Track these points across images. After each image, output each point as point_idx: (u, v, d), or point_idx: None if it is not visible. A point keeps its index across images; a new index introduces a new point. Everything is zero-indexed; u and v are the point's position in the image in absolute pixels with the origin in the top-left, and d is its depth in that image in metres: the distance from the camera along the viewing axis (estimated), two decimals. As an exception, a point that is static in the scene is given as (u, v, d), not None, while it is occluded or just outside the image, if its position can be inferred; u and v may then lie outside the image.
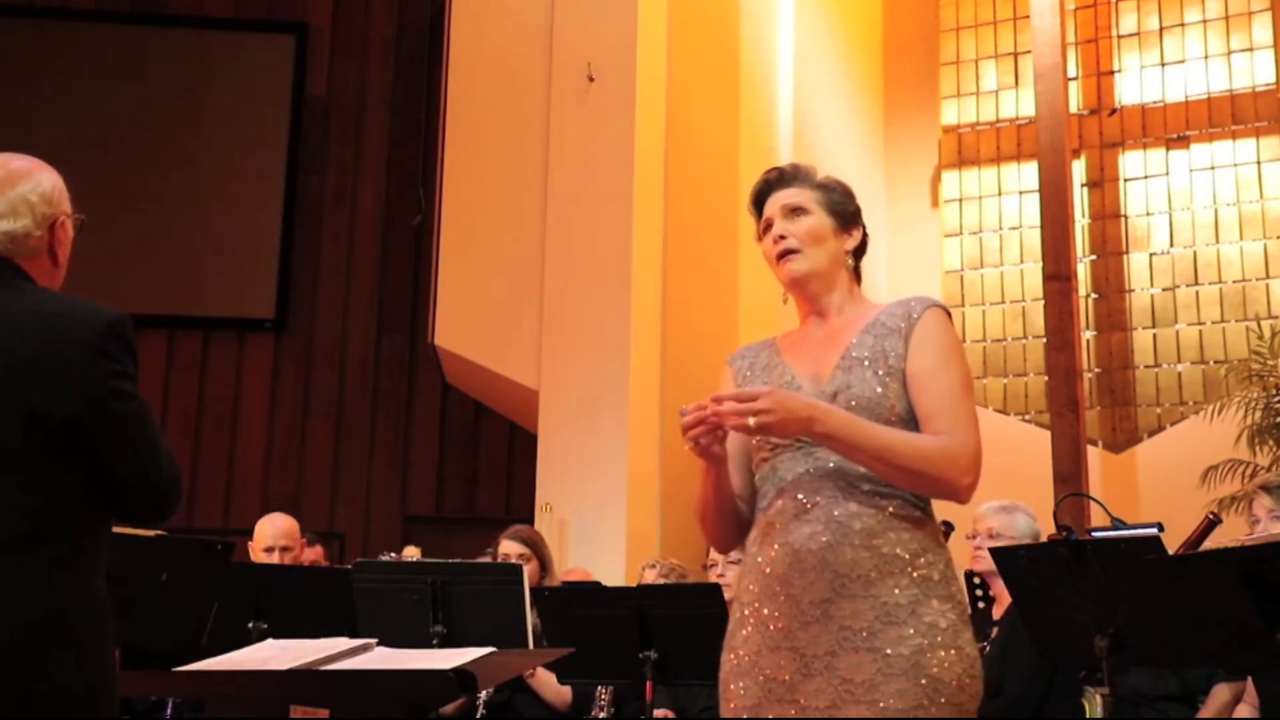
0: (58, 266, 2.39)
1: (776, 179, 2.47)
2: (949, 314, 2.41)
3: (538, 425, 7.72)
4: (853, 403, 2.26)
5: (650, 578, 4.98)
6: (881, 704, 2.15)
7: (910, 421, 2.28)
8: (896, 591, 2.19)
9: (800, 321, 2.49)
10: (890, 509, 2.24)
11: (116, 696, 2.26)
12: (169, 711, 4.51)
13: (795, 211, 2.41)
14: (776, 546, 2.26)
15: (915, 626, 2.18)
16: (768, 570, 2.26)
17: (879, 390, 2.27)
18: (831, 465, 2.26)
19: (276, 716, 3.74)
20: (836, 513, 2.23)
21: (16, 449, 2.17)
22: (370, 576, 4.29)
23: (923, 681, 2.15)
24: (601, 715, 4.58)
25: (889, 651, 2.16)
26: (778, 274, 2.43)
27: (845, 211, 2.45)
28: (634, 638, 3.92)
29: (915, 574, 2.21)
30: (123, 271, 9.02)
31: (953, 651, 2.19)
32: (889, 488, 2.24)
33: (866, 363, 2.30)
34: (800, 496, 2.26)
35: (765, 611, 2.26)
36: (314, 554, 5.84)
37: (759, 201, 2.48)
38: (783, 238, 2.40)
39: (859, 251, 2.47)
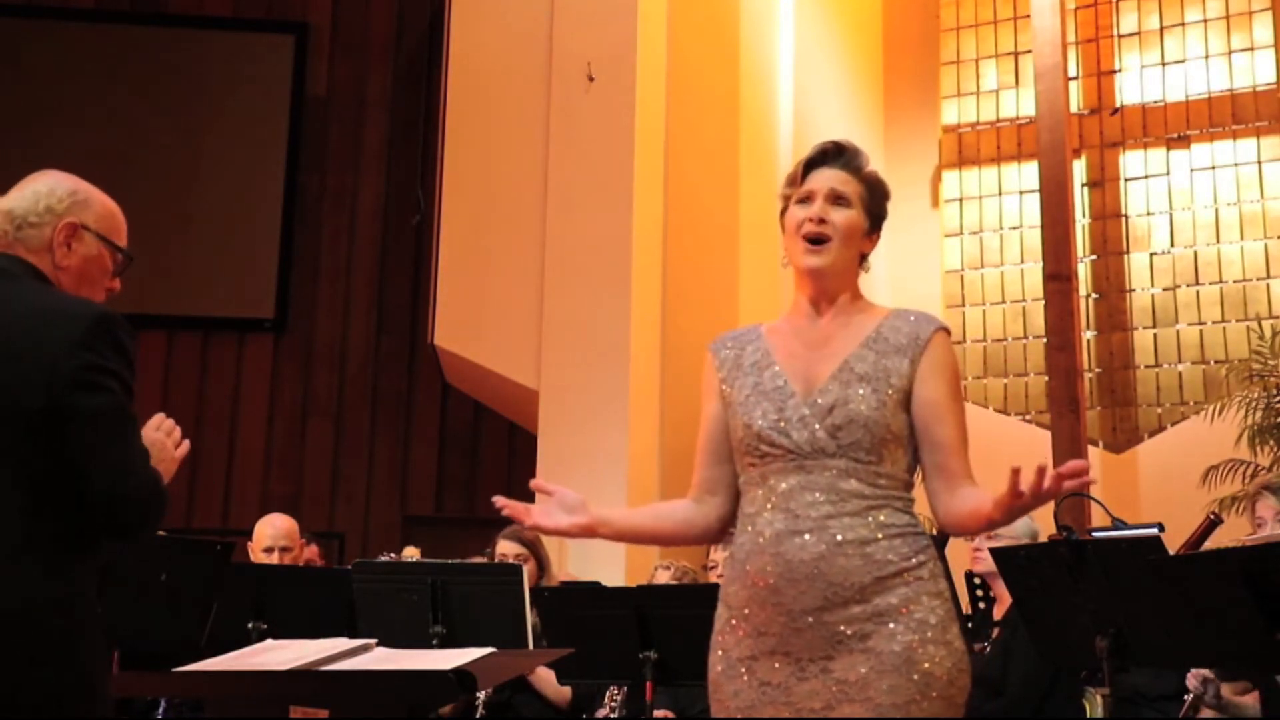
0: (59, 269, 2.34)
1: (834, 153, 2.42)
2: (950, 334, 2.42)
3: (538, 425, 7.71)
4: (851, 419, 2.27)
5: (664, 578, 4.98)
6: (875, 701, 2.17)
7: (905, 440, 2.30)
8: (889, 594, 2.22)
9: (793, 305, 2.46)
10: (881, 518, 2.26)
11: (104, 700, 2.22)
12: (161, 712, 4.50)
13: (840, 200, 2.38)
14: (767, 557, 2.26)
15: (906, 623, 2.21)
16: (758, 580, 2.26)
17: (878, 409, 2.28)
18: (824, 479, 2.26)
19: (276, 716, 3.74)
20: (830, 525, 2.24)
21: (1, 445, 2.14)
22: (370, 577, 4.29)
23: (914, 677, 2.18)
24: (613, 716, 4.58)
25: (880, 649, 2.19)
26: (795, 250, 2.39)
27: (878, 216, 2.44)
28: (634, 638, 3.92)
29: (907, 575, 2.24)
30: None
31: (943, 647, 2.22)
32: (879, 499, 2.26)
33: (866, 379, 2.30)
34: (792, 507, 2.26)
35: (756, 619, 2.27)
36: (310, 553, 5.82)
37: (808, 167, 2.43)
38: (823, 221, 2.36)
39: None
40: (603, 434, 7.27)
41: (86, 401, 2.15)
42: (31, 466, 2.15)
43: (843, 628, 2.20)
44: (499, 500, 2.37)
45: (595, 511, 2.42)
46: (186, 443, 2.45)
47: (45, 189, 2.36)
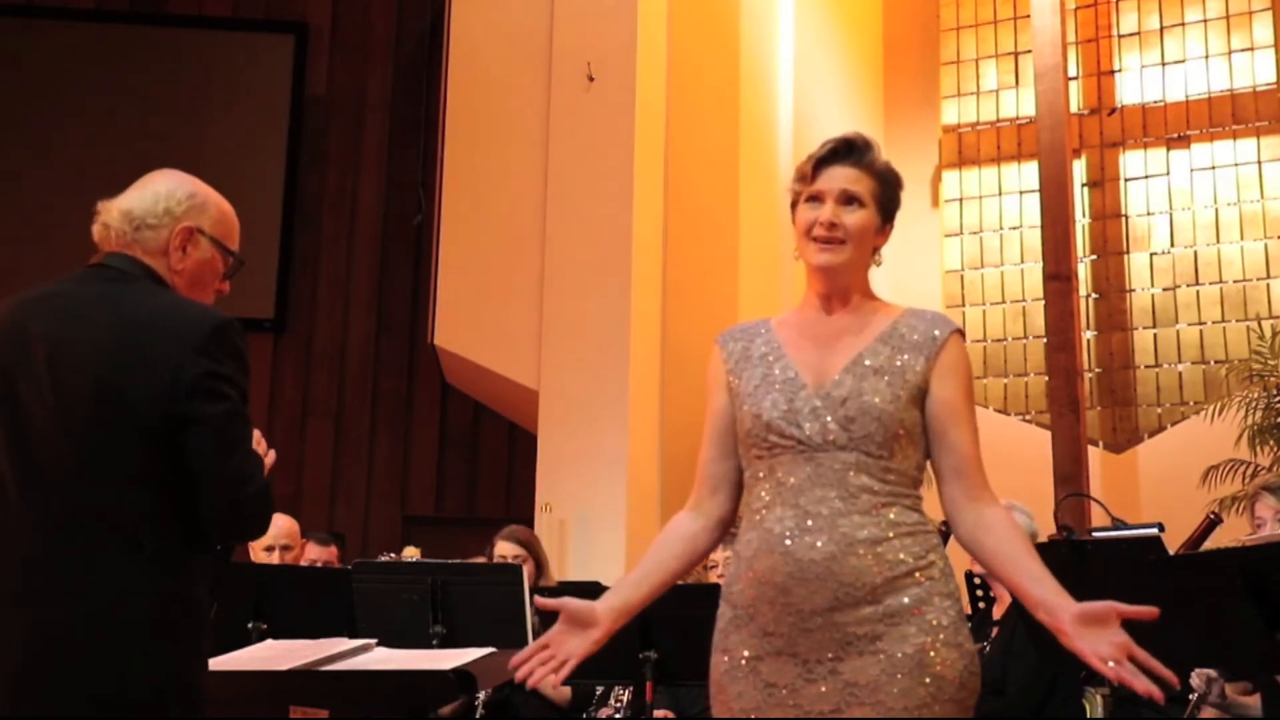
0: (175, 273, 2.34)
1: (845, 151, 2.35)
2: (965, 337, 2.39)
3: (538, 425, 7.71)
4: (864, 411, 2.23)
5: None
6: (886, 704, 2.13)
7: (917, 437, 2.27)
8: (901, 594, 2.18)
9: (804, 300, 2.43)
10: (892, 515, 2.22)
11: (201, 696, 2.22)
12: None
13: (852, 201, 2.33)
14: (776, 555, 2.21)
15: (918, 625, 2.17)
16: (766, 579, 2.22)
17: (891, 403, 2.24)
18: (834, 473, 2.22)
19: (276, 716, 3.73)
20: (841, 524, 2.19)
21: (116, 448, 2.15)
22: (370, 577, 4.29)
23: (926, 680, 2.14)
24: (618, 716, 4.58)
25: (892, 651, 2.15)
26: (808, 250, 2.34)
27: (891, 209, 2.38)
28: (634, 638, 3.91)
29: (919, 575, 2.20)
30: (122, 271, 9.01)
31: (955, 650, 2.18)
32: (888, 495, 2.22)
33: (880, 373, 2.27)
34: (802, 504, 2.22)
35: (763, 618, 2.22)
36: (328, 554, 5.70)
37: (818, 164, 2.35)
38: (834, 226, 2.31)
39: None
40: (603, 434, 7.28)
41: (207, 409, 2.17)
42: (150, 469, 2.16)
43: (853, 629, 2.16)
44: (520, 673, 2.33)
45: (606, 609, 2.31)
46: (273, 452, 2.46)
47: (165, 190, 2.36)
